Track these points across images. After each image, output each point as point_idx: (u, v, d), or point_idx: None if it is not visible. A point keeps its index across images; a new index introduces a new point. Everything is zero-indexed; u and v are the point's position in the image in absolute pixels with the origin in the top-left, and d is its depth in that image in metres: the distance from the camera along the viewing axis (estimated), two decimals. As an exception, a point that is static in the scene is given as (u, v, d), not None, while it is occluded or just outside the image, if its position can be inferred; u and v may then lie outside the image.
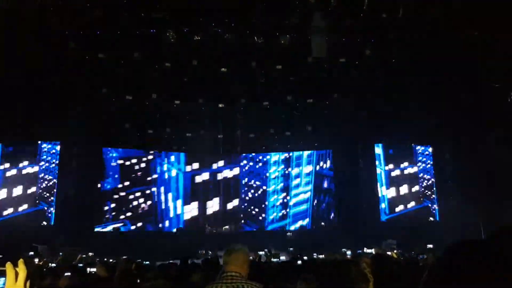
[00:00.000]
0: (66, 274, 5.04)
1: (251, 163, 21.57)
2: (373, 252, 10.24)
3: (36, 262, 10.50)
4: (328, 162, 21.28)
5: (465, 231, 14.85)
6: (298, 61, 16.44)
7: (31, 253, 12.81)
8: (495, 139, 15.17)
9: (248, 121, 18.89)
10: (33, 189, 17.63)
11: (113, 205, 19.19)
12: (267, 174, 21.40)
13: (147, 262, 10.36)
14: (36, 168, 17.71)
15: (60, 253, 11.98)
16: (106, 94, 16.98)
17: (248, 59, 16.43)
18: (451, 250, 0.85)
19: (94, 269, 5.52)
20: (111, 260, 9.20)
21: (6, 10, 12.69)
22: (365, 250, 13.09)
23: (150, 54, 15.88)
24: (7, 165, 17.38)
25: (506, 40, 13.22)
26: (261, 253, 11.84)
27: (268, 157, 21.53)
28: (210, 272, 5.33)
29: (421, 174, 20.26)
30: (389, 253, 11.44)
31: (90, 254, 11.80)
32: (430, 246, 10.69)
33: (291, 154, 21.49)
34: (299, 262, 8.58)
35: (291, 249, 16.31)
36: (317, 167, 21.43)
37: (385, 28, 14.69)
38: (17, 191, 17.40)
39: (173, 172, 20.82)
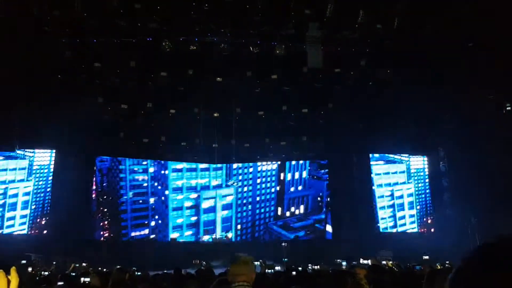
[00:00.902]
0: (59, 283, 4.97)
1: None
2: (369, 263, 10.17)
3: (29, 271, 10.38)
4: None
5: (461, 242, 14.84)
6: (294, 71, 16.51)
7: (24, 261, 12.66)
8: (491, 150, 15.23)
9: (243, 130, 18.87)
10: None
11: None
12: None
13: (139, 273, 10.26)
14: None
15: (54, 262, 11.86)
16: (101, 102, 16.95)
17: (244, 69, 16.49)
18: (479, 250, 0.83)
19: (87, 279, 5.46)
20: (105, 270, 9.11)
21: (2, 18, 12.70)
22: (361, 261, 13.02)
23: (146, 63, 15.91)
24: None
25: (501, 52, 13.34)
26: (256, 263, 11.74)
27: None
28: (204, 282, 5.28)
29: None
30: (384, 262, 11.41)
31: (84, 264, 11.67)
32: (426, 257, 10.61)
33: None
34: (294, 273, 8.52)
35: (285, 259, 16.21)
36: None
37: (380, 39, 14.81)
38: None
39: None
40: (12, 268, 1.21)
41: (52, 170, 17.91)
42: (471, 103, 15.82)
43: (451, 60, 14.84)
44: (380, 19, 13.92)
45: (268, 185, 20.18)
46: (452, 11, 13.14)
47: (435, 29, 13.90)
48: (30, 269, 10.47)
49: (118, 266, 5.18)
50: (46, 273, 9.24)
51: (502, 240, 0.83)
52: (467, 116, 16.30)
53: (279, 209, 20.04)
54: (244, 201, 20.17)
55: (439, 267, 9.34)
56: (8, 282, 1.15)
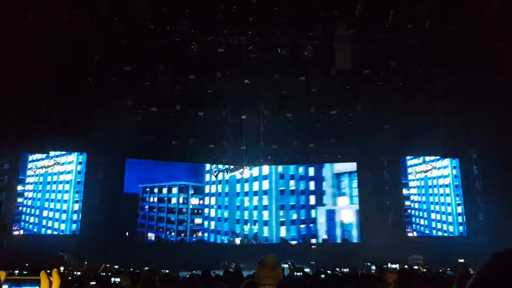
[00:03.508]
0: (91, 283, 5.08)
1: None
2: (397, 268, 9.96)
3: (62, 270, 10.63)
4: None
5: (495, 247, 14.40)
6: (322, 72, 16.40)
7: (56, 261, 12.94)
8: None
9: (271, 132, 18.85)
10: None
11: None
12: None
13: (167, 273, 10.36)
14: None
15: (85, 262, 12.11)
16: (131, 105, 17.24)
17: (272, 71, 16.48)
18: (500, 258, 0.80)
19: (118, 279, 5.56)
20: (137, 271, 9.26)
21: (32, 23, 13.05)
22: (389, 265, 12.78)
23: (175, 66, 16.09)
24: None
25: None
26: (284, 266, 11.72)
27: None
28: (233, 283, 5.30)
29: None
30: (415, 267, 11.17)
31: (116, 266, 11.85)
32: (462, 260, 10.29)
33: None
34: (322, 276, 8.43)
35: (313, 262, 16.08)
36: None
37: (411, 39, 14.55)
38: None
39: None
40: (53, 270, 1.24)
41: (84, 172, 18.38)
42: (505, 104, 15.34)
43: (483, 60, 14.44)
44: (410, 20, 13.67)
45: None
46: (480, 10, 12.81)
47: (465, 28, 13.56)
48: (62, 268, 10.72)
49: (147, 267, 5.24)
50: (79, 273, 9.44)
51: None
52: (500, 117, 15.80)
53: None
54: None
55: (472, 272, 9.09)
56: (50, 283, 1.18)
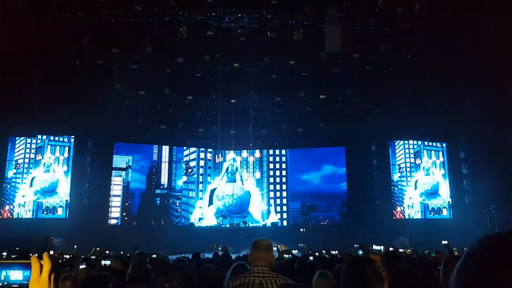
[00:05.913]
0: (81, 266, 5.11)
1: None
2: (382, 250, 10.10)
3: (52, 254, 10.63)
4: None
5: (480, 229, 14.68)
6: (312, 56, 16.38)
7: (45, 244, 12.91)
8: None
9: (261, 117, 18.86)
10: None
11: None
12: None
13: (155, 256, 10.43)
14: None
15: (75, 246, 12.11)
16: (119, 89, 17.09)
17: (261, 55, 16.41)
18: (492, 240, 0.81)
19: (108, 262, 5.60)
20: (128, 254, 9.29)
21: (20, 5, 12.84)
22: (374, 247, 12.94)
23: (163, 49, 15.95)
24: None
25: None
26: (273, 248, 11.74)
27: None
28: (222, 266, 5.36)
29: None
30: (401, 250, 11.35)
31: (107, 252, 11.87)
32: (445, 242, 10.45)
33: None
34: (311, 258, 8.55)
35: (301, 245, 16.24)
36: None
37: (400, 23, 14.56)
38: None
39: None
40: (44, 253, 1.25)
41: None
42: (493, 88, 15.47)
43: (471, 44, 14.51)
44: (400, 3, 13.67)
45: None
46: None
47: (455, 13, 13.61)
48: (52, 252, 10.73)
49: (138, 251, 5.28)
50: (67, 256, 9.46)
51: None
52: (488, 102, 15.94)
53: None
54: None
55: (456, 254, 9.27)
56: (41, 266, 1.20)
